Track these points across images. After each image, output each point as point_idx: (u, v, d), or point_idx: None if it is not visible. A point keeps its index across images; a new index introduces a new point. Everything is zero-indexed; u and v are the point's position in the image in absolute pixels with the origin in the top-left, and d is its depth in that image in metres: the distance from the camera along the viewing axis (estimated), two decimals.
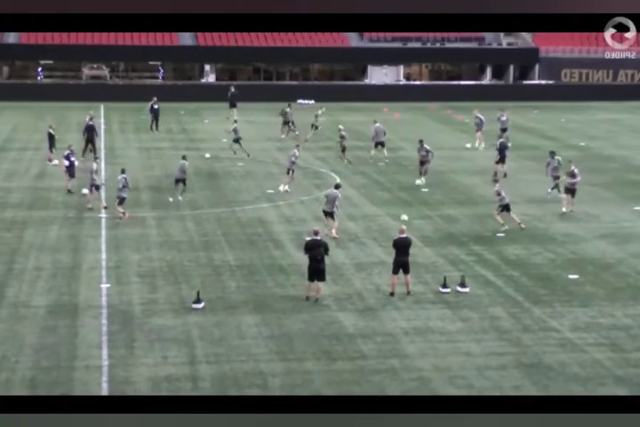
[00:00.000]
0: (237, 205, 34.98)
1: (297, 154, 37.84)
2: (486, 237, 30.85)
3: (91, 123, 45.42)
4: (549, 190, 35.77)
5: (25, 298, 24.04)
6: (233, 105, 59.92)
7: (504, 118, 50.33)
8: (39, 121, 56.44)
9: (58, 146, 45.19)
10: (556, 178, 35.81)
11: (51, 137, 43.74)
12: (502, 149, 40.93)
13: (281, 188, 37.48)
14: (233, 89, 61.41)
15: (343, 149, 44.10)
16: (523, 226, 31.29)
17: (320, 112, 52.76)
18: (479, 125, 49.45)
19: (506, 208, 31.18)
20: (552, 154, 36.45)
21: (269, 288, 25.13)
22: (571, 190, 34.29)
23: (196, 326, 22.12)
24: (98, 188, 33.95)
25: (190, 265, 27.19)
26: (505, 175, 40.19)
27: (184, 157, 36.02)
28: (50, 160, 42.85)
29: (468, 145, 49.73)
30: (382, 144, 44.78)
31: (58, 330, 21.75)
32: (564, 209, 34.11)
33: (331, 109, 56.31)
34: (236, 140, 45.22)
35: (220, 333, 21.71)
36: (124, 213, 32.17)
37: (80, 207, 34.07)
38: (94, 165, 34.27)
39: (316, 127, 51.67)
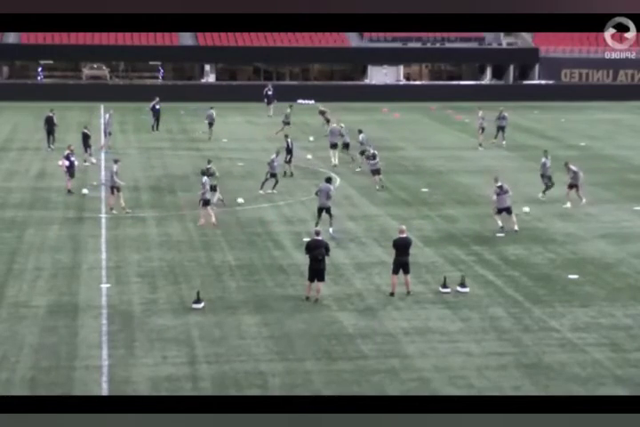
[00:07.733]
0: (237, 205, 34.96)
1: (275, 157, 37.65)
2: (486, 237, 30.84)
3: (50, 114, 47.76)
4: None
5: (25, 298, 24.03)
6: (269, 102, 63.49)
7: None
8: (39, 121, 56.39)
9: (58, 146, 45.30)
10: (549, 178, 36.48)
11: (85, 137, 43.82)
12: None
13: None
14: (268, 89, 64.74)
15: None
16: (516, 228, 31.18)
17: (289, 110, 53.59)
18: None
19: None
20: (545, 153, 37.12)
21: (269, 288, 25.12)
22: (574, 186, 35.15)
23: (196, 326, 22.11)
24: (118, 189, 33.13)
25: (190, 265, 27.18)
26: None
27: (328, 180, 31.43)
28: (85, 161, 42.48)
29: (480, 148, 49.39)
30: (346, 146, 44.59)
31: (58, 330, 21.73)
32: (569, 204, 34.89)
33: (331, 109, 56.24)
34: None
35: (220, 333, 21.70)
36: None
37: (80, 207, 34.07)
38: (115, 167, 33.26)
39: (288, 124, 53.11)
